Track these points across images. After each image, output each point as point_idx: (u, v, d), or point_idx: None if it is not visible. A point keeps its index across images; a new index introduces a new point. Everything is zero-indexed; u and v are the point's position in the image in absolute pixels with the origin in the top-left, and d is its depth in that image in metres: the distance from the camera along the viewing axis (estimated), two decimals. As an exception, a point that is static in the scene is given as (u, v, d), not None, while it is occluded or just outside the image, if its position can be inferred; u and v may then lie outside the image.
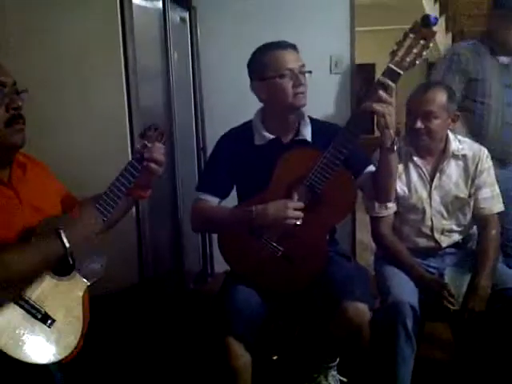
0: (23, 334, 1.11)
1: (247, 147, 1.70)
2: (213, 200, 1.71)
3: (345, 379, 1.84)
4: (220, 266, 1.75)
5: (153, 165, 1.33)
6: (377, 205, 1.82)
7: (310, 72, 1.64)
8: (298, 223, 1.55)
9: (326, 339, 1.71)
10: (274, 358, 2.08)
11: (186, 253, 2.68)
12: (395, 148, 1.53)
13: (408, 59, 1.43)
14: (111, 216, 1.31)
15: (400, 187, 1.83)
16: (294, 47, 1.64)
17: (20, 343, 1.09)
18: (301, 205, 1.55)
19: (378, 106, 1.44)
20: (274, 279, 1.62)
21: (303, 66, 1.62)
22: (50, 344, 1.15)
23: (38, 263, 1.13)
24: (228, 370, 1.52)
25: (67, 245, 1.15)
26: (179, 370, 1.42)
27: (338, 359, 1.82)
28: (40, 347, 1.13)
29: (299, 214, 1.55)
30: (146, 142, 1.34)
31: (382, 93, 1.43)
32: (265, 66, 1.62)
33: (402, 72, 1.44)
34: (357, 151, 1.62)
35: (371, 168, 1.68)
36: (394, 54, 1.44)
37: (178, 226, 2.59)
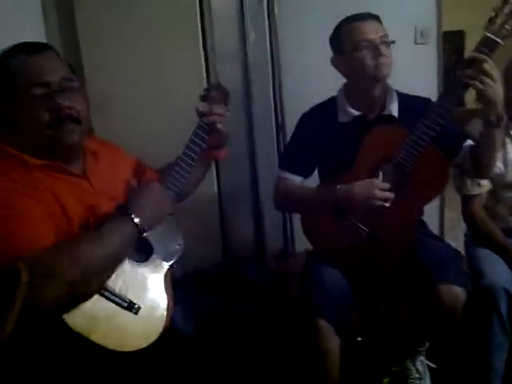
0: (113, 324, 1.10)
1: (331, 125, 1.66)
2: (296, 179, 1.69)
3: (433, 365, 1.77)
4: (301, 244, 1.74)
5: (218, 124, 1.35)
6: (469, 183, 1.72)
7: (393, 42, 1.56)
8: (387, 205, 1.49)
9: (416, 323, 1.65)
10: (359, 339, 2.05)
11: (267, 232, 2.71)
12: (501, 123, 1.42)
13: (508, 26, 1.32)
14: (185, 184, 1.32)
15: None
16: (375, 18, 1.57)
17: (111, 334, 1.08)
18: (388, 185, 1.49)
19: (478, 83, 1.34)
20: (360, 261, 1.58)
21: (385, 36, 1.54)
22: (139, 330, 1.14)
23: (114, 246, 1.08)
24: (317, 351, 1.49)
25: (137, 221, 1.12)
26: (264, 350, 1.43)
27: (427, 344, 1.76)
28: (130, 335, 1.12)
29: (388, 194, 1.49)
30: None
31: (485, 65, 1.34)
32: (343, 39, 1.58)
33: (500, 41, 1.33)
34: (451, 127, 1.52)
35: (469, 142, 1.58)
36: (491, 20, 1.34)
37: (258, 205, 2.61)
